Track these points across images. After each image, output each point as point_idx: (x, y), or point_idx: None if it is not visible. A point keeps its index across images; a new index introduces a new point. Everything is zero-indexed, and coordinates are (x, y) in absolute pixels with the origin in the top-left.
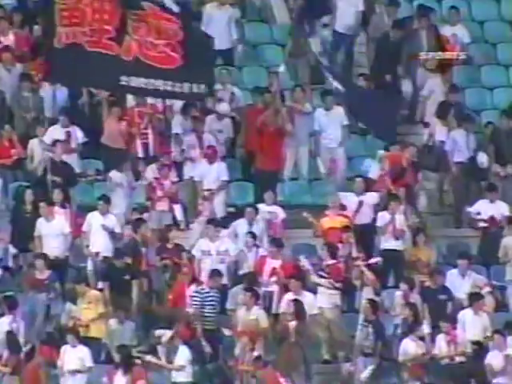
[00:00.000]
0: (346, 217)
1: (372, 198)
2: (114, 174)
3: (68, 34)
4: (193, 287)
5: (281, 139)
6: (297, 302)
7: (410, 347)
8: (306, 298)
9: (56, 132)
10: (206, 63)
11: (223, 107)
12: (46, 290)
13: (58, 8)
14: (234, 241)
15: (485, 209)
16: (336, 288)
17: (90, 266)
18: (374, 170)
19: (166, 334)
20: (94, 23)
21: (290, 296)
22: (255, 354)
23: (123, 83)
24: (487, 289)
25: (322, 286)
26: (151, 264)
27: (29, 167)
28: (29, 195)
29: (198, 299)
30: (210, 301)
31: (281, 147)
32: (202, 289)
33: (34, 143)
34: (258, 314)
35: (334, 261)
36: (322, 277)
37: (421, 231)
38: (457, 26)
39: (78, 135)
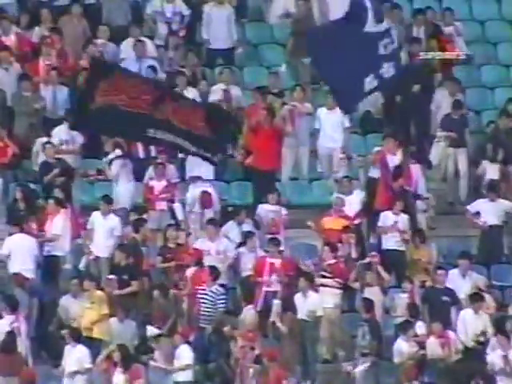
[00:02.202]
0: (348, 218)
1: (358, 196)
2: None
3: (105, 101)
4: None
5: (277, 139)
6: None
7: (403, 347)
8: (312, 298)
9: (62, 133)
10: (226, 137)
11: (216, 96)
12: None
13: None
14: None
15: (485, 208)
16: (340, 287)
17: (82, 264)
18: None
19: (152, 331)
20: (133, 93)
21: (298, 296)
22: (256, 352)
23: (149, 135)
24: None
25: (325, 285)
26: (151, 264)
27: (31, 167)
28: (18, 193)
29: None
30: (203, 299)
31: (277, 147)
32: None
33: (39, 144)
34: (246, 313)
35: (335, 260)
36: (324, 277)
37: (420, 232)
38: (451, 26)
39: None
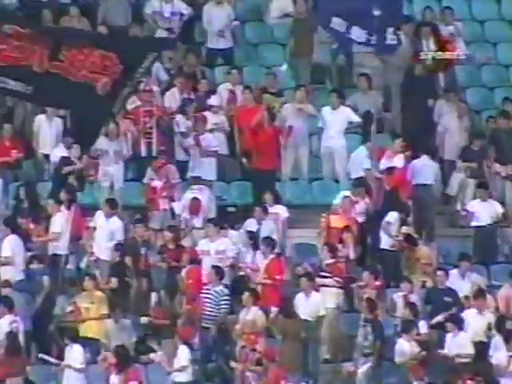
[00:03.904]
0: (353, 219)
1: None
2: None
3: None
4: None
5: (276, 139)
6: (286, 301)
7: (405, 347)
8: (314, 298)
9: (60, 153)
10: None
11: (214, 101)
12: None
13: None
14: (246, 241)
15: (478, 208)
16: (340, 286)
17: (83, 263)
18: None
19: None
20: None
21: (300, 295)
22: (257, 355)
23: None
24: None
25: (326, 286)
26: (149, 264)
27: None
28: (22, 193)
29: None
30: (208, 298)
31: (277, 147)
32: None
33: (41, 119)
34: (256, 314)
35: (334, 260)
36: (324, 277)
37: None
38: (451, 26)
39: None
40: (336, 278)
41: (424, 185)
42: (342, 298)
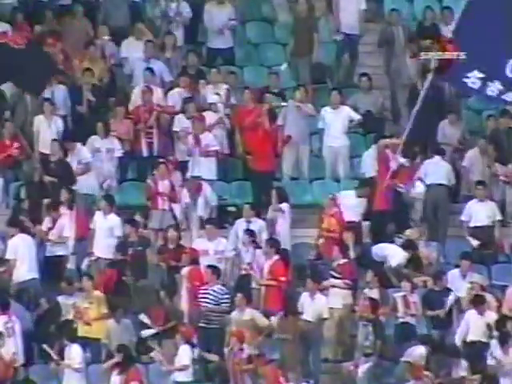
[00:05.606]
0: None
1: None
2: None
3: None
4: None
5: (273, 140)
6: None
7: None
8: (318, 299)
9: (82, 154)
10: None
11: (213, 99)
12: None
13: None
14: (235, 240)
15: (475, 208)
16: (350, 288)
17: (85, 264)
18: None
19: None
20: None
21: (305, 296)
22: (245, 354)
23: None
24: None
25: (335, 286)
26: (133, 261)
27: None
28: (23, 193)
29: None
30: (205, 298)
31: (272, 148)
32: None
33: (40, 120)
34: (252, 314)
35: (346, 260)
36: (334, 277)
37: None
38: (450, 26)
39: (85, 155)
40: (345, 281)
41: (438, 184)
42: (350, 298)
